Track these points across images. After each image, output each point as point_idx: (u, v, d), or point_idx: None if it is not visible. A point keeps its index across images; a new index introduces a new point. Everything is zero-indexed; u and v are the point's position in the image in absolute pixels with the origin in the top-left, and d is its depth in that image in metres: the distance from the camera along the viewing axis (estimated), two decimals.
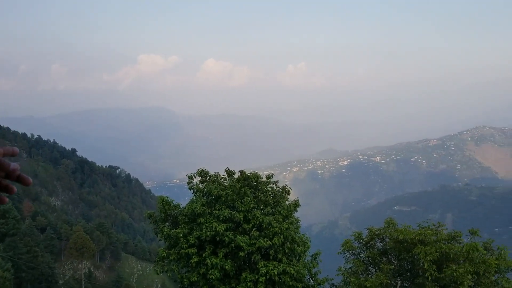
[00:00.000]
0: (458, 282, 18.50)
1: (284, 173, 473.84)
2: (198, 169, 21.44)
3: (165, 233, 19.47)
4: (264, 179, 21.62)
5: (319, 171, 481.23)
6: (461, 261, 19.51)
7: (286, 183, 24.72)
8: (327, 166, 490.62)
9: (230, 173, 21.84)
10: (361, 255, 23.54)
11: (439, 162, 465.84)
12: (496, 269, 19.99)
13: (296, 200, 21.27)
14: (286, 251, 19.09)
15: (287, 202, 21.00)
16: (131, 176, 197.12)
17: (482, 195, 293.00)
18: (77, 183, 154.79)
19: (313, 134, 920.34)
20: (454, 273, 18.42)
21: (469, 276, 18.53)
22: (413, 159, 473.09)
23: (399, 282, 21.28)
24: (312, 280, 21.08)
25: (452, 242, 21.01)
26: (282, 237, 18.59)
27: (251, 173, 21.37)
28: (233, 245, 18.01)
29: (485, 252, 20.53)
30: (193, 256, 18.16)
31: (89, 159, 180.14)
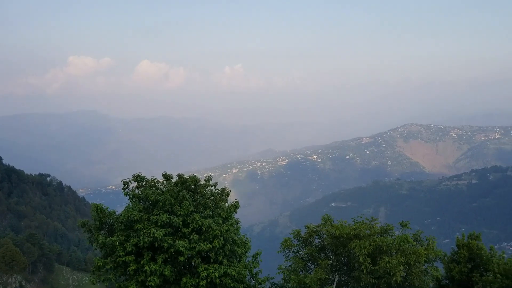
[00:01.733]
0: (391, 273, 19.40)
1: (224, 175, 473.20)
2: (134, 174, 20.82)
3: (100, 241, 18.72)
4: (203, 182, 21.41)
5: (259, 172, 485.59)
6: (394, 253, 20.48)
7: (226, 184, 24.73)
8: (266, 167, 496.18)
9: (167, 177, 21.41)
10: (300, 252, 24.01)
11: (371, 159, 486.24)
12: (426, 259, 21.21)
13: (235, 202, 21.25)
14: (227, 253, 19.03)
15: (226, 204, 20.91)
16: (63, 184, 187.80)
17: (412, 188, 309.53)
18: (4, 193, 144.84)
19: (251, 135, 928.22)
20: (388, 265, 19.30)
21: (401, 267, 19.50)
22: (347, 157, 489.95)
23: (337, 276, 21.92)
24: (253, 280, 21.19)
25: (385, 235, 22.00)
26: (222, 239, 18.51)
27: (189, 177, 21.09)
28: (172, 250, 17.69)
29: (415, 243, 21.73)
30: (131, 264, 17.62)
31: (17, 167, 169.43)
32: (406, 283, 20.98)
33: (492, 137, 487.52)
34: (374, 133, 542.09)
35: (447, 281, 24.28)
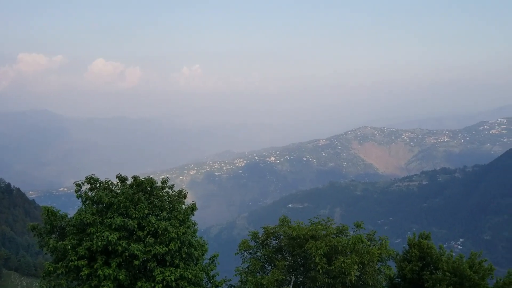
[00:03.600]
0: (346, 273, 19.81)
1: (181, 177, 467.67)
2: (87, 176, 20.16)
3: (51, 245, 18.00)
4: (159, 183, 21.05)
5: (217, 173, 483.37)
6: (349, 253, 20.94)
7: (183, 186, 24.42)
8: (224, 168, 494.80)
9: (122, 179, 20.88)
10: (258, 253, 24.09)
11: (328, 160, 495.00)
12: (379, 258, 21.82)
13: (193, 204, 21.03)
14: (183, 256, 18.78)
15: (183, 206, 20.66)
16: (12, 186, 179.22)
17: (366, 189, 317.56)
18: None
19: (209, 136, 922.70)
20: (343, 265, 19.70)
21: (356, 266, 19.95)
22: (305, 159, 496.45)
23: (293, 277, 22.15)
24: (210, 282, 21.04)
25: (340, 235, 22.47)
26: (179, 242, 18.25)
27: (145, 178, 20.67)
28: (127, 253, 17.27)
29: (369, 243, 22.32)
30: (84, 268, 17.06)
31: None
32: (360, 282, 21.49)
33: (441, 140, 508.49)
34: (331, 135, 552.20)
35: (399, 280, 25.10)
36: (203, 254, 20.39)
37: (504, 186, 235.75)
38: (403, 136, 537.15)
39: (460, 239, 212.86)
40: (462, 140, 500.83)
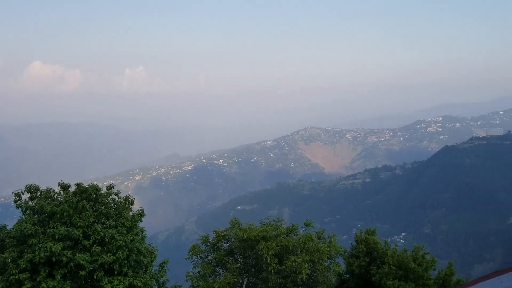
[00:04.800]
0: (297, 272, 20.08)
1: (126, 182, 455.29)
2: (27, 185, 19.14)
3: None
4: (104, 190, 20.35)
5: (163, 178, 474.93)
6: (299, 252, 21.25)
7: (129, 192, 23.77)
8: (171, 172, 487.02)
9: (65, 186, 19.99)
10: (209, 257, 23.88)
11: (275, 161, 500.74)
12: (328, 255, 22.31)
13: (140, 210, 20.53)
14: (132, 263, 18.28)
15: (131, 213, 20.12)
16: None
17: (313, 189, 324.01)
18: None
19: (155, 140, 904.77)
20: (294, 264, 19.95)
21: (306, 265, 20.29)
22: (253, 160, 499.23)
23: (245, 279, 22.16)
24: None
25: (290, 235, 22.78)
26: (126, 249, 17.73)
27: (89, 185, 19.92)
28: (72, 264, 16.56)
29: (318, 241, 22.76)
30: (26, 282, 16.18)
31: None
32: (311, 280, 21.86)
33: (382, 139, 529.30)
34: (278, 137, 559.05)
35: (348, 275, 25.73)
36: (152, 261, 19.97)
37: (441, 182, 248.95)
38: (347, 135, 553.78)
39: (402, 233, 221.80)
40: (402, 138, 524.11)
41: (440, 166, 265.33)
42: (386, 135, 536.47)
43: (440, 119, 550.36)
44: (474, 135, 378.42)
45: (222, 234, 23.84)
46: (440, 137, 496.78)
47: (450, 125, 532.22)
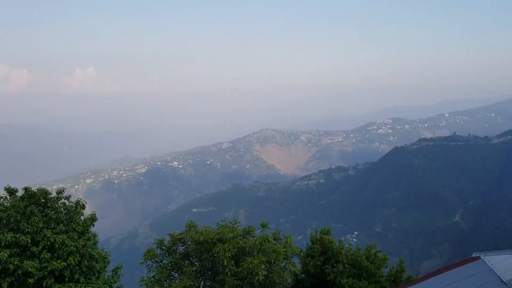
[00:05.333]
0: (254, 273, 20.09)
1: (76, 186, 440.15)
2: None
3: None
4: (54, 194, 19.60)
5: (116, 181, 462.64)
6: (256, 253, 21.29)
7: (80, 196, 23.02)
8: (124, 175, 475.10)
9: (11, 191, 19.08)
10: (164, 261, 23.47)
11: (231, 163, 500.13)
12: (285, 256, 22.48)
13: (92, 214, 19.91)
14: (84, 269, 17.69)
15: (82, 218, 19.48)
16: None
17: (268, 190, 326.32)
18: None
19: (107, 142, 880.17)
20: (250, 265, 19.95)
21: (263, 266, 20.33)
22: (208, 162, 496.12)
23: (202, 282, 21.97)
24: None
25: (247, 236, 22.76)
26: (78, 255, 17.13)
27: (38, 189, 19.11)
28: (20, 272, 15.82)
29: (275, 242, 22.88)
30: None
31: None
32: (267, 281, 21.94)
33: (336, 140, 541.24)
34: (233, 138, 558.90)
35: (303, 275, 26.11)
36: (105, 267, 19.43)
37: (391, 181, 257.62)
38: (302, 137, 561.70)
39: (355, 232, 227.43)
40: (354, 140, 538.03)
41: (390, 167, 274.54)
42: (339, 137, 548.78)
43: (390, 121, 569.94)
44: (422, 136, 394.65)
45: (178, 237, 23.50)
46: (390, 139, 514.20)
47: (399, 127, 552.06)
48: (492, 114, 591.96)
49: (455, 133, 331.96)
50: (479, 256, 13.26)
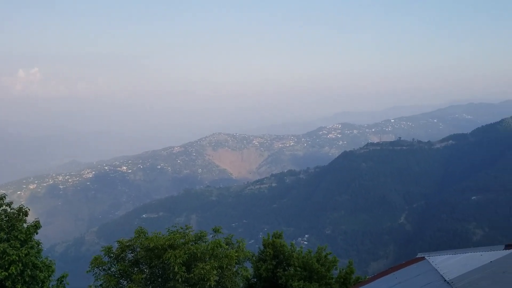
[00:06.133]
0: (205, 279, 19.88)
1: (19, 192, 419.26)
2: None
3: None
4: None
5: (61, 186, 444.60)
6: (208, 259, 21.09)
7: (22, 202, 21.97)
8: (70, 180, 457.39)
9: None
10: (112, 269, 22.76)
11: (183, 167, 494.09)
12: (237, 261, 22.40)
13: (36, 221, 19.00)
14: (27, 279, 16.86)
15: (25, 225, 18.56)
16: None
17: (221, 194, 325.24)
18: None
19: (51, 146, 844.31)
20: (202, 271, 19.73)
21: (215, 271, 20.16)
22: (159, 167, 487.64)
23: None
24: None
25: (199, 242, 22.50)
26: (20, 264, 16.33)
27: None
28: None
29: (227, 246, 22.76)
30: None
31: None
32: (219, 287, 21.79)
33: (288, 145, 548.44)
34: (185, 142, 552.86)
35: (255, 279, 26.16)
36: (49, 276, 18.59)
37: (340, 185, 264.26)
38: (254, 141, 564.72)
39: (306, 235, 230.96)
40: (305, 144, 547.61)
41: (339, 171, 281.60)
42: (291, 141, 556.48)
43: (340, 126, 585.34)
44: (369, 141, 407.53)
45: (127, 244, 22.84)
46: (340, 143, 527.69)
47: (348, 131, 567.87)
48: (435, 120, 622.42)
49: (400, 138, 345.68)
50: (424, 257, 13.80)
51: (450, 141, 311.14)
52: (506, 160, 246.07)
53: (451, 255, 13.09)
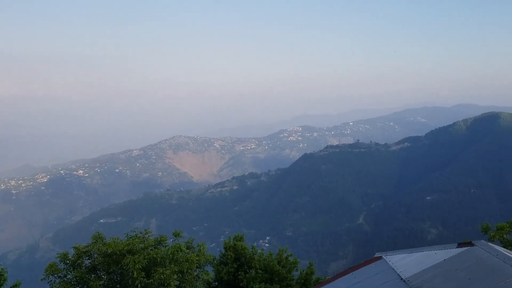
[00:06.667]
0: (165, 284, 19.56)
1: None
2: None
3: None
4: None
5: (13, 191, 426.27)
6: (168, 263, 20.75)
7: None
8: (23, 185, 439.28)
9: None
10: (68, 276, 22.00)
11: (142, 171, 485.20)
12: (197, 265, 22.16)
13: None
14: None
15: None
16: None
17: (181, 198, 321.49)
18: None
19: (4, 149, 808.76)
20: (162, 276, 19.38)
21: (175, 276, 19.87)
22: (117, 170, 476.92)
23: None
24: None
25: (159, 246, 22.10)
26: None
27: None
28: None
29: (188, 251, 22.47)
30: None
31: None
32: None
33: (249, 147, 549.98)
34: (144, 145, 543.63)
35: (216, 283, 25.98)
36: (1, 285, 17.81)
37: (300, 187, 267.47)
38: (215, 144, 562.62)
39: (267, 237, 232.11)
40: (266, 147, 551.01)
41: (300, 173, 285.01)
42: (252, 144, 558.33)
43: (300, 128, 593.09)
44: (329, 143, 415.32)
45: (83, 250, 22.12)
46: (300, 146, 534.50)
47: (308, 134, 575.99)
48: (391, 123, 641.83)
49: (359, 140, 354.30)
50: (381, 256, 14.14)
51: (406, 144, 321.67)
52: (458, 162, 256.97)
53: (407, 254, 13.47)
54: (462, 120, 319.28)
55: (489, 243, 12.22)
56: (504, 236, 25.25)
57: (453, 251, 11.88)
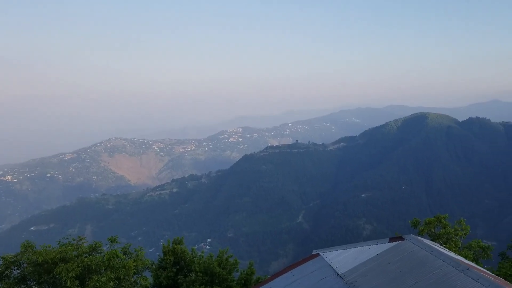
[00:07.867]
0: None
1: None
2: None
3: None
4: None
5: None
6: (103, 270, 20.02)
7: None
8: None
9: None
10: None
11: (75, 175, 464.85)
12: (135, 271, 21.58)
13: None
14: None
15: None
16: None
17: (118, 202, 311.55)
18: None
19: None
20: (97, 284, 18.67)
21: (111, 283, 19.22)
22: (48, 175, 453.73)
23: None
24: None
25: (93, 253, 21.28)
26: None
27: None
28: None
29: (124, 256, 21.82)
30: None
31: None
32: None
33: (189, 149, 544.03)
34: (77, 148, 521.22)
35: None
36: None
37: (241, 187, 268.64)
38: (154, 146, 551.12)
39: (208, 239, 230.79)
40: (207, 148, 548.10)
41: (240, 173, 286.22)
42: (192, 145, 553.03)
43: (240, 130, 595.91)
44: (269, 144, 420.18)
45: (11, 260, 20.83)
46: (241, 147, 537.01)
47: (249, 135, 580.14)
48: (328, 124, 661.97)
49: (297, 141, 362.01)
50: (319, 253, 14.51)
51: (342, 143, 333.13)
52: (389, 160, 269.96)
53: (343, 250, 13.93)
54: (393, 120, 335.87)
55: (418, 237, 12.94)
56: (432, 229, 26.82)
57: (385, 245, 12.44)
